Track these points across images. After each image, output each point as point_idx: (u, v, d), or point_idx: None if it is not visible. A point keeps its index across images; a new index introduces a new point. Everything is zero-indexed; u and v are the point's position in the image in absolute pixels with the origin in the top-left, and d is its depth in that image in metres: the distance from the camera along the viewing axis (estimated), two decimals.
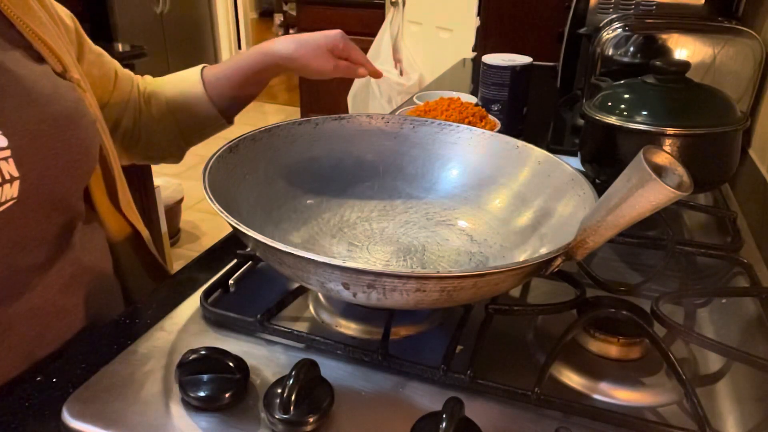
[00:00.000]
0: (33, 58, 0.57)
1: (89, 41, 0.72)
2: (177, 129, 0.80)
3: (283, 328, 0.50)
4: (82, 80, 0.63)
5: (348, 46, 0.77)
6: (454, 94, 1.00)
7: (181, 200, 2.35)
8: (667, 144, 0.66)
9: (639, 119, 0.67)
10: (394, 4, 2.70)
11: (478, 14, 1.79)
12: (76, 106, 0.58)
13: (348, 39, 0.78)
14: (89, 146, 0.59)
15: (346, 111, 2.98)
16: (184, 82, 0.80)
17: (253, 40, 4.83)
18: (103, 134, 0.64)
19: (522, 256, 0.56)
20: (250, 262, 0.61)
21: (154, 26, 3.54)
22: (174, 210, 2.31)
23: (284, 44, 0.76)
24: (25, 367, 0.54)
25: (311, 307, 0.56)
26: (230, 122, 0.82)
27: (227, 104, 0.80)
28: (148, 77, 0.83)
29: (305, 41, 0.76)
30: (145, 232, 0.73)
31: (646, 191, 0.38)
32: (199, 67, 0.80)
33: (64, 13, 0.68)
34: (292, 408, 0.40)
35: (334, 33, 0.76)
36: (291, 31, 5.75)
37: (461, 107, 0.87)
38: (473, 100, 1.02)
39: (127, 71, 0.79)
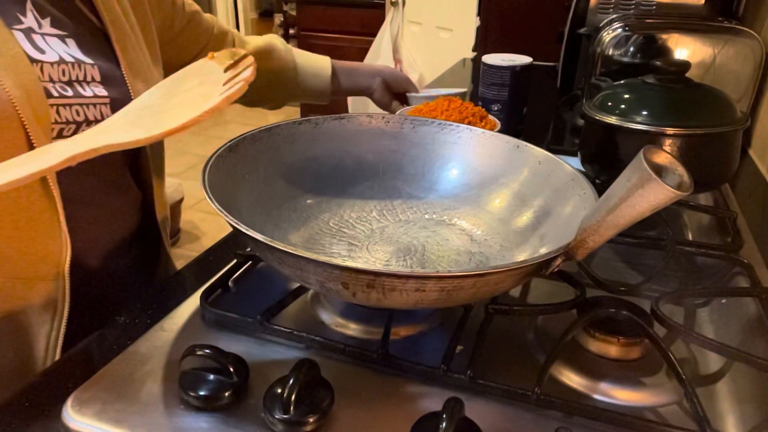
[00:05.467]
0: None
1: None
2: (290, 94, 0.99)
3: (283, 328, 0.50)
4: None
5: None
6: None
7: (181, 200, 2.35)
8: (667, 144, 0.66)
9: (639, 119, 0.67)
10: (394, 4, 2.70)
11: (478, 14, 1.79)
12: None
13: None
14: None
15: (346, 111, 2.98)
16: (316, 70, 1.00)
17: None
18: None
19: (522, 256, 0.56)
20: (250, 262, 0.61)
21: None
22: (174, 210, 2.31)
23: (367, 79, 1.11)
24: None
25: (311, 307, 0.56)
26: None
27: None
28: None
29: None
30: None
31: (646, 191, 0.38)
32: (329, 71, 1.01)
33: None
34: (292, 408, 0.40)
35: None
36: (291, 31, 5.74)
37: (461, 107, 0.87)
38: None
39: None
